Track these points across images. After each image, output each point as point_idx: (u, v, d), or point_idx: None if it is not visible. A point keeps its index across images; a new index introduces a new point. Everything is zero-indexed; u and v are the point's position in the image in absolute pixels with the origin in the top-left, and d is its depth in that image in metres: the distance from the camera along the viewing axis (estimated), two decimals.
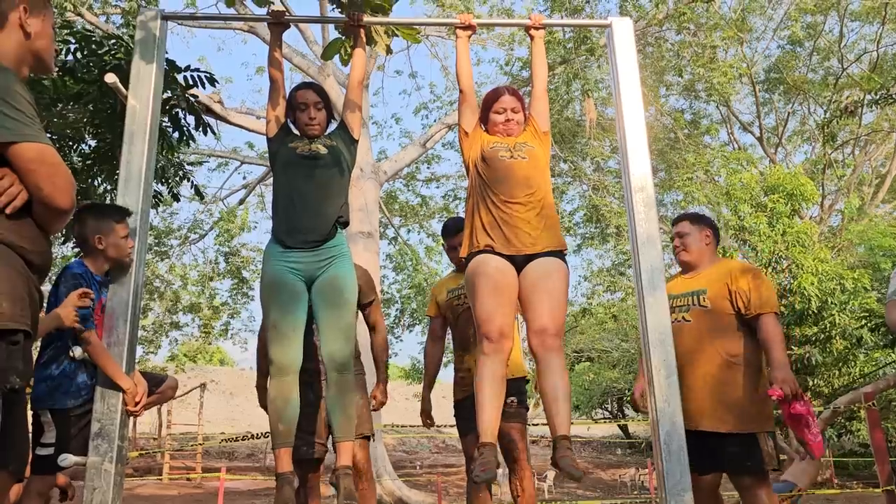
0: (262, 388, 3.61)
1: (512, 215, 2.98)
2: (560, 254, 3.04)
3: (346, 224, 3.19)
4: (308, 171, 3.13)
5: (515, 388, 3.62)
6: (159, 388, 3.13)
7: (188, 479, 14.29)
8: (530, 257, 2.97)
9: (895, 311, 2.92)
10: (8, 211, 1.73)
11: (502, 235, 2.97)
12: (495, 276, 2.92)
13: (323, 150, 3.18)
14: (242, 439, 7.85)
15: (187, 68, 5.22)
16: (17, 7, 1.87)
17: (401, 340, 19.13)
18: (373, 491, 3.53)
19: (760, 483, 3.17)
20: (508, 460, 3.61)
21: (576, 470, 2.69)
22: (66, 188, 1.79)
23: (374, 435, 3.65)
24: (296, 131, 3.30)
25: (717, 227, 3.60)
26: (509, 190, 3.02)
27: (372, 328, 3.83)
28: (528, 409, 3.85)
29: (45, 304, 2.68)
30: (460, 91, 3.31)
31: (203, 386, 15.96)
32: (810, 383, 12.45)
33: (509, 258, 2.97)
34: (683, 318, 3.35)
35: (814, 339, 11.85)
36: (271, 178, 3.41)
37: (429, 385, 4.07)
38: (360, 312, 3.73)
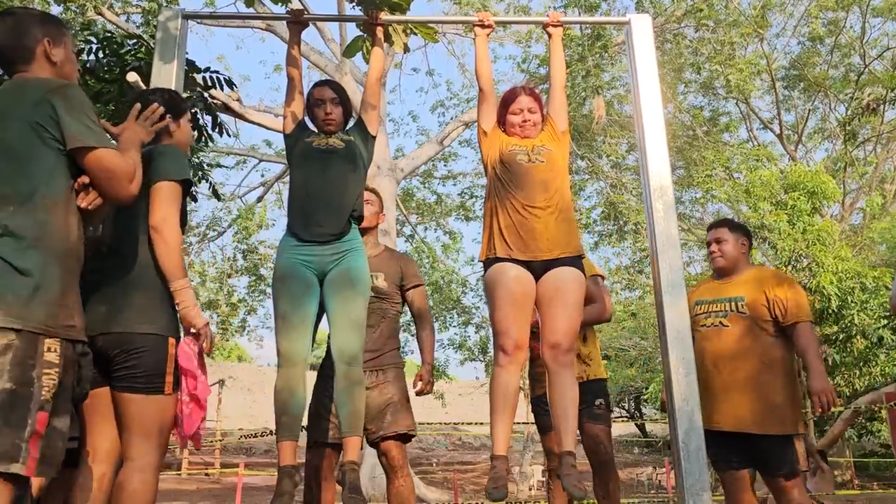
0: None
1: (531, 221, 2.98)
2: (577, 259, 3.03)
3: (360, 218, 3.19)
4: (324, 164, 3.14)
5: (600, 388, 3.65)
6: None
7: (207, 475, 14.41)
8: (548, 264, 2.97)
9: None
10: None
11: (520, 241, 2.97)
12: (513, 288, 2.93)
13: (340, 144, 3.20)
14: (261, 435, 7.92)
15: (207, 69, 5.25)
16: (41, 41, 2.08)
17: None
18: (410, 488, 3.38)
19: (794, 483, 3.23)
20: (594, 462, 3.57)
21: (578, 490, 2.72)
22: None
23: (412, 433, 3.42)
24: (313, 127, 3.32)
25: (751, 235, 3.67)
26: (528, 195, 3.01)
27: (417, 315, 3.67)
28: (612, 410, 3.80)
29: None
30: (480, 90, 3.31)
31: (221, 382, 16.10)
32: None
33: (526, 264, 2.97)
34: (721, 322, 3.40)
35: (833, 338, 11.73)
36: (289, 176, 3.41)
37: None
38: (404, 301, 3.64)
